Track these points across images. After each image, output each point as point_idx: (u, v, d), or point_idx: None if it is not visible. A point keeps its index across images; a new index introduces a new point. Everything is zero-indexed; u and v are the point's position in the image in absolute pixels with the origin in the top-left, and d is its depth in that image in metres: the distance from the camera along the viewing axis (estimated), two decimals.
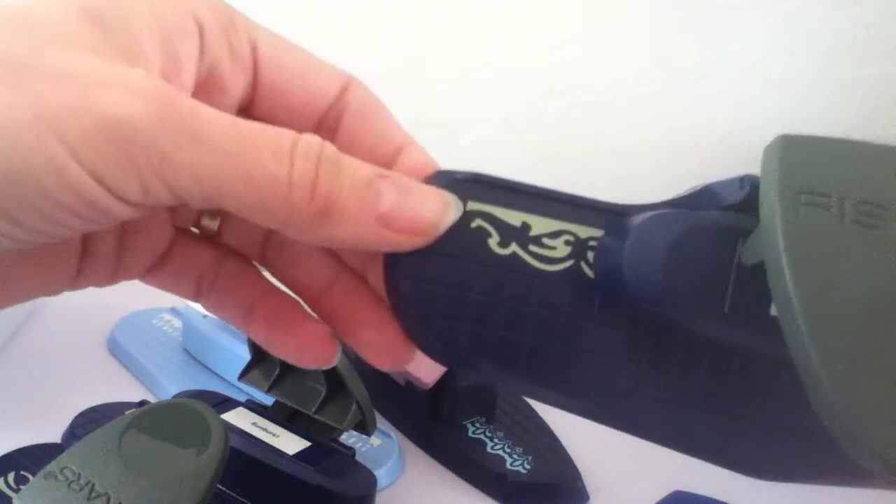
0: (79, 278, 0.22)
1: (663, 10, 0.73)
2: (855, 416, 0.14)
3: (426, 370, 0.45)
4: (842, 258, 0.16)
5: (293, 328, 0.23)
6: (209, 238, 0.24)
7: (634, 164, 0.77)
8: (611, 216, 0.21)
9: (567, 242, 0.21)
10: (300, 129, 0.19)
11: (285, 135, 0.19)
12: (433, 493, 0.45)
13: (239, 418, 0.40)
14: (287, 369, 0.42)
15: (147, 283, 0.24)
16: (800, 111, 0.76)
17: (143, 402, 0.41)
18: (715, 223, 0.20)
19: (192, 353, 0.53)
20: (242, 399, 0.42)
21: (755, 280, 0.18)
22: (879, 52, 0.75)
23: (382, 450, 0.47)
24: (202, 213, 0.23)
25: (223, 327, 0.52)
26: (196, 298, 0.24)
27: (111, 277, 0.23)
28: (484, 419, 0.49)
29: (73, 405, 0.44)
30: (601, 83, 0.74)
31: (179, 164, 0.17)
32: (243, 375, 0.43)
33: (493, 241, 0.21)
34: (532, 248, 0.21)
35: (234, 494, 0.37)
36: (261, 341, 0.24)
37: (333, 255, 0.23)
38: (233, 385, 0.49)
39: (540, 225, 0.21)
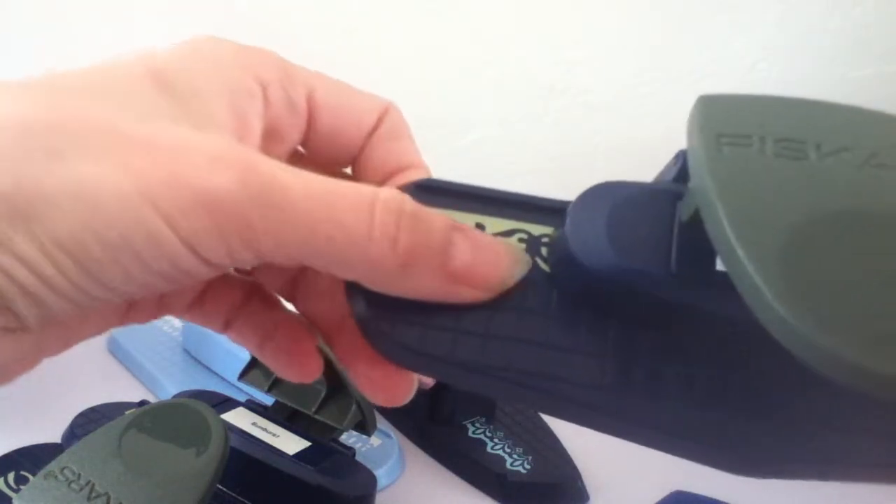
0: (125, 317, 0.23)
1: (663, 10, 0.73)
2: (805, 326, 0.14)
3: None
4: (767, 185, 0.17)
5: (303, 356, 0.24)
6: (242, 275, 0.25)
7: (635, 163, 0.77)
8: (562, 214, 0.21)
9: (521, 240, 0.21)
10: (347, 158, 0.21)
11: (364, 192, 0.19)
12: (433, 493, 0.45)
13: (239, 418, 0.40)
14: None
15: (184, 319, 0.25)
16: None
17: (143, 402, 0.41)
18: (651, 188, 0.21)
19: (192, 353, 0.53)
20: (242, 399, 0.42)
21: (697, 235, 0.18)
22: (879, 52, 0.75)
23: (382, 450, 0.47)
24: None
25: None
26: (223, 331, 0.25)
27: (153, 316, 0.23)
28: (484, 419, 0.49)
29: (73, 405, 0.44)
30: (601, 83, 0.74)
31: (263, 231, 0.18)
32: (243, 375, 0.43)
33: None
34: None
35: (234, 494, 0.37)
36: (268, 362, 0.25)
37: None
38: (233, 385, 0.49)
39: (494, 225, 0.21)
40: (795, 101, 0.19)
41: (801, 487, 0.48)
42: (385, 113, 0.24)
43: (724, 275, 0.16)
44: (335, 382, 0.40)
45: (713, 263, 0.19)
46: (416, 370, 0.22)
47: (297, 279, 0.24)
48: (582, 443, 0.49)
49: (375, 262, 0.19)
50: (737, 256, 0.15)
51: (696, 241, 0.18)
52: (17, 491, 0.39)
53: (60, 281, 0.17)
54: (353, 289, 0.20)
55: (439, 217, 0.20)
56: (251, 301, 0.24)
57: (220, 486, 0.36)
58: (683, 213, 0.19)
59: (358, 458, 0.40)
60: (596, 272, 0.19)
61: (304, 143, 0.24)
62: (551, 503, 0.45)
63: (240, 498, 0.37)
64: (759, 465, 0.20)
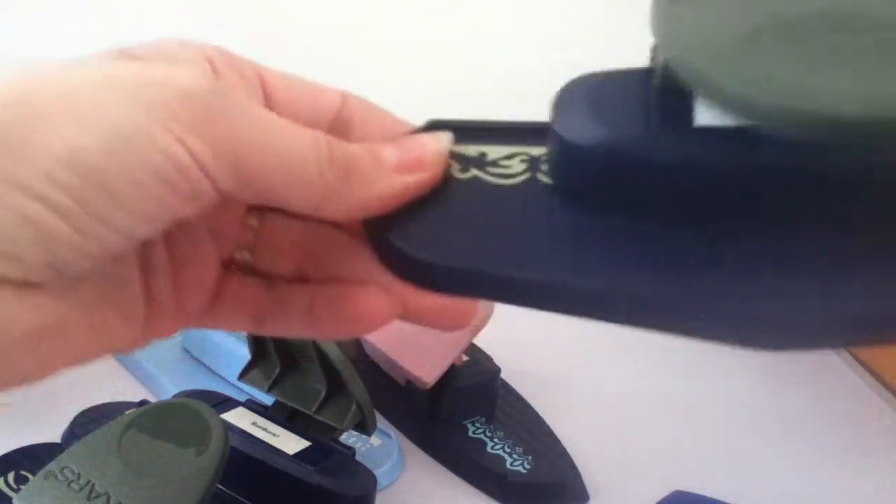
0: (147, 327, 0.23)
1: None
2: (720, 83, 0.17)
3: (426, 370, 0.45)
4: (712, 10, 0.19)
5: (354, 303, 0.24)
6: (250, 269, 0.25)
7: None
8: None
9: (522, 161, 0.23)
10: None
11: (303, 127, 0.21)
12: (433, 493, 0.45)
13: (239, 418, 0.40)
14: (287, 369, 0.42)
15: (208, 325, 0.25)
16: None
17: (143, 402, 0.41)
18: (625, 71, 0.22)
19: (192, 353, 0.53)
20: (242, 399, 0.42)
21: (670, 97, 0.19)
22: None
23: (382, 450, 0.47)
24: (234, 246, 0.25)
25: None
26: (257, 328, 0.25)
27: (175, 322, 0.24)
28: (484, 419, 0.49)
29: (73, 405, 0.44)
30: None
31: (240, 131, 0.19)
32: (243, 375, 0.43)
33: (455, 169, 0.23)
34: (490, 169, 0.23)
35: (234, 494, 0.37)
36: (329, 333, 0.25)
37: (368, 251, 0.24)
38: (233, 385, 0.49)
39: (495, 152, 0.23)
40: None
41: (801, 488, 0.48)
42: (345, 99, 0.25)
43: (701, 130, 0.18)
44: (335, 382, 0.40)
45: (690, 121, 0.19)
46: (440, 288, 0.23)
47: (304, 260, 0.25)
48: (582, 443, 0.49)
49: (325, 179, 0.21)
50: (687, 63, 0.18)
51: (671, 103, 0.19)
52: (17, 491, 0.39)
53: (64, 202, 0.17)
54: (371, 231, 0.22)
55: (355, 144, 0.22)
56: (272, 290, 0.25)
57: (220, 486, 0.36)
58: (655, 80, 0.20)
59: (358, 458, 0.40)
60: (586, 150, 0.20)
61: None
62: (551, 503, 0.45)
63: (240, 498, 0.37)
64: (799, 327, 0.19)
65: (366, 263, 0.24)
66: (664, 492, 0.44)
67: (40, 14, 0.74)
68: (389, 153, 0.22)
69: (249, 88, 0.23)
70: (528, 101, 0.80)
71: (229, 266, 0.25)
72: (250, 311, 0.25)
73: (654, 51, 0.20)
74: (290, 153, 0.20)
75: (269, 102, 0.24)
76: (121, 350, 0.23)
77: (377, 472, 0.40)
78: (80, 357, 0.20)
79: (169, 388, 0.50)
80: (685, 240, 0.20)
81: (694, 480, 0.46)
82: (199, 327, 0.25)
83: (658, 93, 0.20)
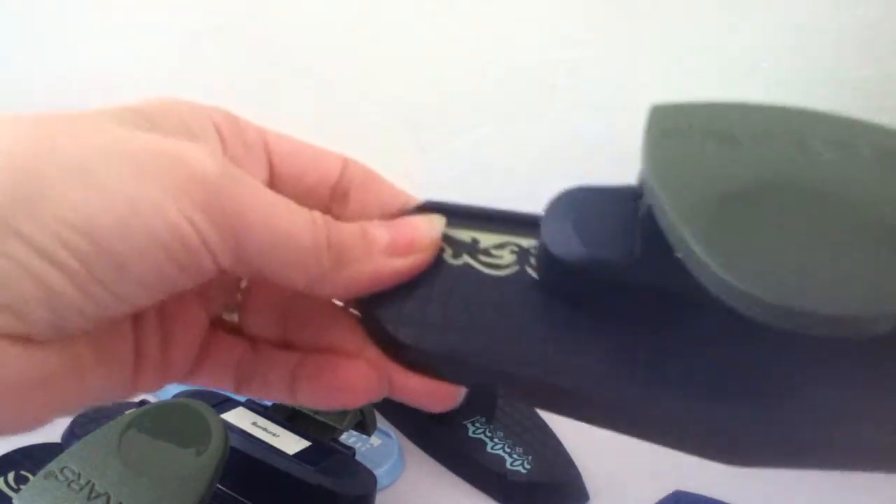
0: (136, 381, 0.23)
1: (665, 10, 0.73)
2: (718, 269, 0.17)
3: None
4: (702, 166, 0.20)
5: (339, 375, 0.24)
6: (237, 330, 0.25)
7: (635, 164, 0.77)
8: None
9: (512, 252, 0.24)
10: (315, 207, 0.22)
11: (301, 206, 0.22)
12: (433, 493, 0.45)
13: (239, 418, 0.40)
14: None
15: (191, 383, 0.25)
16: None
17: (143, 402, 0.41)
18: (614, 188, 0.23)
19: None
20: (242, 399, 0.42)
21: (655, 226, 0.20)
22: (883, 52, 0.75)
23: (382, 450, 0.47)
24: (223, 306, 0.25)
25: None
26: (239, 390, 0.25)
27: (161, 378, 0.24)
28: (484, 419, 0.49)
29: None
30: (602, 83, 0.74)
31: (247, 212, 0.20)
32: None
33: (447, 254, 0.24)
34: (481, 257, 0.24)
35: (234, 494, 0.37)
36: (311, 402, 0.25)
37: (356, 324, 0.25)
38: None
39: (487, 239, 0.24)
40: (738, 104, 0.22)
41: (801, 488, 0.48)
42: (345, 165, 0.25)
43: (678, 260, 0.19)
44: None
45: (669, 252, 0.20)
46: (418, 369, 0.24)
47: (289, 323, 0.25)
48: (582, 443, 0.49)
49: (320, 259, 0.21)
50: (672, 223, 0.18)
51: (655, 231, 0.20)
52: (17, 491, 0.39)
53: (73, 265, 0.18)
54: (363, 308, 0.23)
55: (350, 223, 0.22)
56: (258, 351, 0.25)
57: (220, 486, 0.36)
58: (641, 207, 0.21)
59: (358, 458, 0.40)
60: (570, 265, 0.22)
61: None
62: (551, 503, 0.45)
63: (240, 498, 0.37)
64: (748, 454, 0.21)
65: (354, 335, 0.24)
66: (664, 492, 0.44)
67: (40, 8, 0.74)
68: (381, 234, 0.23)
69: (254, 160, 0.24)
70: (530, 100, 0.79)
71: (216, 325, 0.25)
72: (234, 372, 0.25)
73: (643, 178, 0.21)
74: (289, 238, 0.21)
75: (273, 169, 0.24)
76: (105, 401, 0.23)
77: (377, 472, 0.40)
78: (66, 409, 0.21)
79: (169, 388, 0.50)
80: (658, 349, 0.21)
81: (694, 480, 0.46)
82: (182, 384, 0.25)
83: (643, 220, 0.21)
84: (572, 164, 0.76)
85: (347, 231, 0.22)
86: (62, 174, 0.18)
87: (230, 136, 0.23)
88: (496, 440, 0.47)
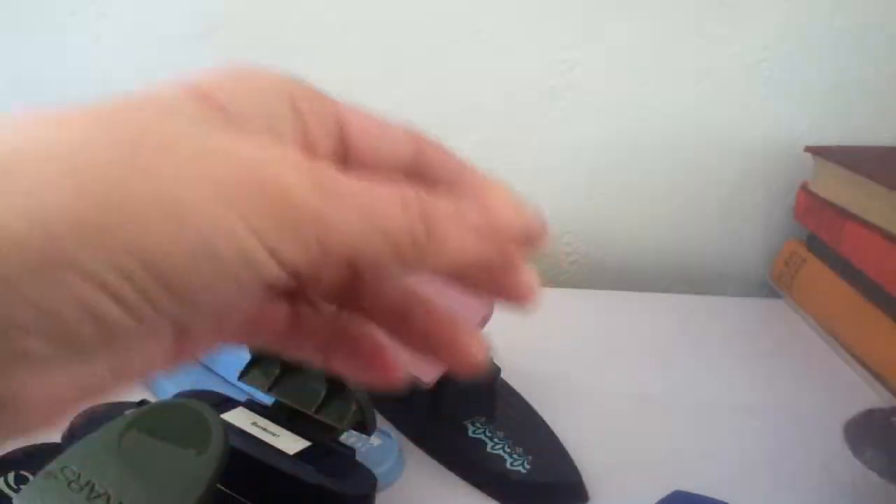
0: (176, 355, 0.22)
1: (664, 11, 0.73)
2: None
3: (426, 370, 0.45)
4: None
5: (368, 355, 0.24)
6: (288, 292, 0.25)
7: (635, 164, 0.77)
8: None
9: None
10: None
11: (397, 188, 0.20)
12: (433, 493, 0.45)
13: (239, 418, 0.40)
14: (287, 369, 0.42)
15: (237, 344, 0.25)
16: (802, 111, 0.76)
17: (143, 402, 0.41)
18: None
19: None
20: (242, 399, 0.42)
21: None
22: (882, 52, 0.75)
23: (382, 450, 0.47)
24: None
25: None
26: (277, 349, 0.25)
27: (209, 345, 0.23)
28: (484, 419, 0.49)
29: None
30: (602, 84, 0.74)
31: (333, 223, 0.18)
32: (243, 375, 0.43)
33: None
34: None
35: (234, 494, 0.37)
36: (340, 369, 0.25)
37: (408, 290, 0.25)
38: (233, 385, 0.49)
39: None
40: None
41: (801, 488, 0.48)
42: (419, 143, 0.24)
43: None
44: (335, 382, 0.40)
45: None
46: None
47: (348, 288, 0.25)
48: (582, 443, 0.49)
49: (415, 240, 0.20)
50: None
51: None
52: (17, 491, 0.39)
53: (132, 297, 0.16)
54: None
55: (443, 198, 0.21)
56: (302, 314, 0.24)
57: (220, 486, 0.36)
58: None
59: (358, 457, 0.40)
60: None
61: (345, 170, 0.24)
62: (551, 503, 0.45)
63: (240, 498, 0.37)
64: None
65: (406, 297, 0.24)
66: (664, 492, 0.44)
67: None
68: (471, 212, 0.21)
69: (328, 134, 0.22)
70: (530, 101, 0.80)
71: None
72: (276, 333, 0.24)
73: None
74: (387, 225, 0.19)
75: (348, 146, 0.23)
76: (142, 379, 0.22)
77: (377, 472, 0.40)
78: (92, 399, 0.20)
79: (169, 388, 0.50)
80: None
81: (694, 480, 0.46)
82: (230, 346, 0.25)
83: None
84: (573, 164, 0.76)
85: (440, 204, 0.21)
86: (138, 208, 0.16)
87: (310, 113, 0.22)
88: (496, 440, 0.47)
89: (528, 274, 0.23)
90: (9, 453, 0.41)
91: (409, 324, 0.24)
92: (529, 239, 0.22)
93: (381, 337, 0.25)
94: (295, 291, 0.25)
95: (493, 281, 0.23)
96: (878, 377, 0.60)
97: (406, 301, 0.25)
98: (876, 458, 0.45)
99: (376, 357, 0.24)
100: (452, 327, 0.24)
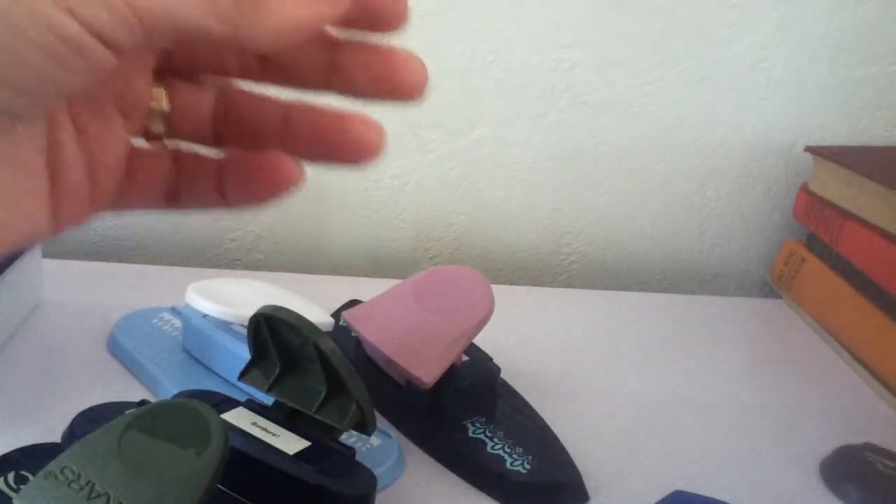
0: (57, 214, 0.22)
1: (664, 11, 0.73)
2: None
3: (426, 370, 0.45)
4: None
5: (263, 168, 0.24)
6: (161, 145, 0.25)
7: (635, 164, 0.77)
8: None
9: None
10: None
11: None
12: (433, 493, 0.45)
13: (239, 418, 0.40)
14: (287, 369, 0.42)
15: (123, 207, 0.25)
16: (801, 111, 0.76)
17: (143, 402, 0.40)
18: None
19: (192, 353, 0.53)
20: (242, 399, 0.42)
21: None
22: (882, 52, 0.75)
23: (382, 450, 0.47)
24: (149, 118, 0.24)
25: (223, 327, 0.52)
26: (172, 204, 0.25)
27: (89, 206, 0.23)
28: (484, 419, 0.49)
29: (73, 405, 0.44)
30: (602, 83, 0.74)
31: None
32: (243, 375, 0.43)
33: None
34: None
35: (234, 494, 0.37)
36: (242, 202, 0.25)
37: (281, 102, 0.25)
38: (233, 385, 0.49)
39: None
40: None
41: (802, 488, 0.48)
42: None
43: None
44: (335, 382, 0.40)
45: None
46: None
47: (217, 118, 0.25)
48: (582, 443, 0.49)
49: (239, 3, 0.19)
50: None
51: None
52: (17, 491, 0.39)
53: None
54: None
55: None
56: (182, 161, 0.25)
57: (220, 486, 0.36)
58: None
59: (358, 458, 0.40)
60: None
61: None
62: (551, 503, 0.45)
63: (240, 498, 0.37)
64: None
65: (279, 107, 0.24)
66: (664, 492, 0.44)
67: None
68: None
69: None
70: (530, 100, 0.80)
71: (145, 139, 0.25)
72: (163, 188, 0.25)
73: None
74: None
75: None
76: (29, 241, 0.22)
77: (377, 472, 0.40)
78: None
79: (169, 388, 0.50)
80: None
81: (694, 480, 0.46)
82: (114, 211, 0.25)
83: None
84: (572, 164, 0.76)
85: None
86: None
87: None
88: (496, 440, 0.47)
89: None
90: (9, 453, 0.41)
91: (296, 131, 0.24)
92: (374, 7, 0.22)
93: (269, 153, 0.24)
94: (174, 136, 0.25)
95: (325, 78, 0.23)
96: (877, 377, 0.60)
97: (288, 111, 0.24)
98: (854, 493, 0.46)
99: (268, 167, 0.24)
100: (340, 117, 0.24)
